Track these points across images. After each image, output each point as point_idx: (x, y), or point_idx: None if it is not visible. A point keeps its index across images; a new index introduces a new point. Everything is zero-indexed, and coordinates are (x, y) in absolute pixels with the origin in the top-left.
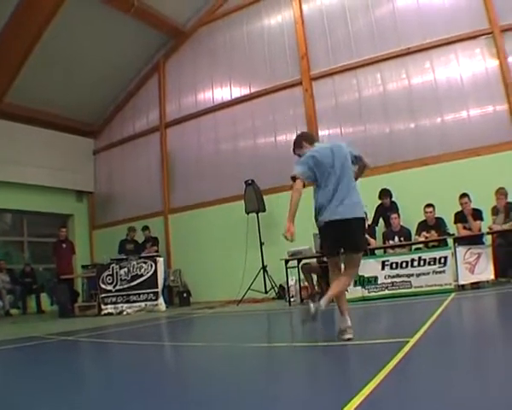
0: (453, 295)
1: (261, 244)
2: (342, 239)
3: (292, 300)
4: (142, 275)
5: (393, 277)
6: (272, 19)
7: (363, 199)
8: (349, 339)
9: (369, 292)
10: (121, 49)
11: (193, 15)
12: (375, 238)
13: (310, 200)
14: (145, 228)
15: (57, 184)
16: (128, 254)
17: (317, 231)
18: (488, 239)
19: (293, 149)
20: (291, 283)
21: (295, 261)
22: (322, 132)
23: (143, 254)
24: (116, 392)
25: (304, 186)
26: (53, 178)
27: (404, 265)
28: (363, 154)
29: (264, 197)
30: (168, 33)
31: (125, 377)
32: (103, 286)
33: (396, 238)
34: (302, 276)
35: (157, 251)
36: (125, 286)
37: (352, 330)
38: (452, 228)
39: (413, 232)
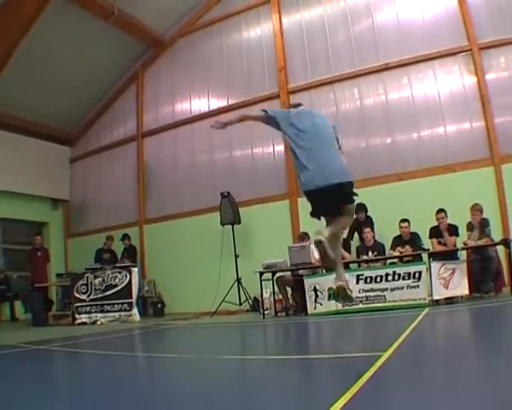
0: (427, 309)
1: (236, 256)
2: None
3: (266, 312)
4: (116, 285)
5: (368, 291)
6: (251, 31)
7: None
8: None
9: (343, 306)
10: (100, 58)
11: (172, 26)
12: (349, 252)
13: (284, 214)
14: (124, 237)
15: (32, 192)
16: (104, 264)
17: (292, 244)
18: (463, 255)
19: None
20: (265, 295)
21: (270, 274)
22: None
23: (118, 264)
24: (85, 404)
25: (263, 121)
26: (28, 186)
27: (378, 279)
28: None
29: (240, 210)
30: (147, 43)
31: (95, 389)
32: (77, 295)
33: (370, 253)
34: (276, 289)
35: (133, 262)
36: (100, 296)
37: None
38: (427, 243)
39: (387, 247)
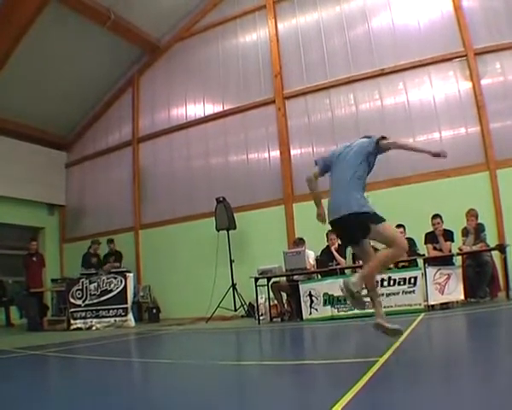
0: (422, 315)
1: (231, 262)
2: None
3: (261, 318)
4: (111, 290)
5: (363, 296)
6: (247, 36)
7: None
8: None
9: (338, 311)
10: (96, 63)
11: (168, 31)
12: (345, 258)
13: (279, 219)
14: (110, 241)
15: (28, 197)
16: (93, 268)
17: (287, 250)
18: (458, 260)
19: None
20: (260, 301)
21: (265, 279)
22: (294, 151)
23: (114, 270)
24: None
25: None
26: (24, 191)
27: None
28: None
29: (235, 215)
30: (143, 48)
31: (89, 394)
32: (73, 301)
33: None
34: (272, 294)
35: (119, 267)
36: (95, 301)
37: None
38: (422, 249)
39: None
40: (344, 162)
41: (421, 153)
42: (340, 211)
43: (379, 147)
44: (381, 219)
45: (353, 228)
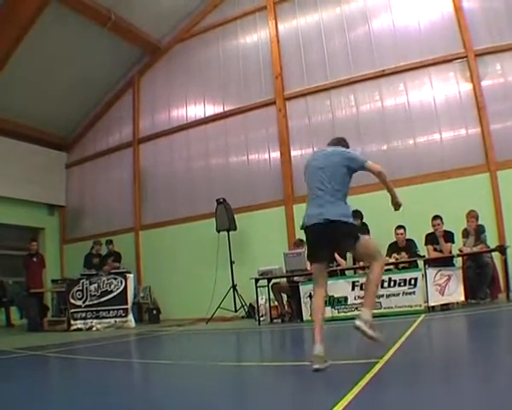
0: (423, 316)
1: (231, 263)
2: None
3: (262, 319)
4: (111, 291)
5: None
6: (248, 38)
7: None
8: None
9: (338, 312)
10: (96, 63)
11: (169, 32)
12: (345, 259)
13: (280, 220)
14: (109, 242)
15: (28, 197)
16: (94, 268)
17: (287, 251)
18: (458, 261)
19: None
20: (261, 302)
21: (265, 280)
22: (294, 152)
23: (114, 271)
24: None
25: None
26: (24, 191)
27: None
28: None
29: (236, 216)
30: (144, 49)
31: (89, 395)
32: (73, 301)
33: None
34: (272, 295)
35: (118, 268)
36: (95, 302)
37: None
38: (423, 250)
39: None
40: (322, 172)
41: (388, 192)
42: (322, 216)
43: (364, 169)
44: None
45: (340, 236)
